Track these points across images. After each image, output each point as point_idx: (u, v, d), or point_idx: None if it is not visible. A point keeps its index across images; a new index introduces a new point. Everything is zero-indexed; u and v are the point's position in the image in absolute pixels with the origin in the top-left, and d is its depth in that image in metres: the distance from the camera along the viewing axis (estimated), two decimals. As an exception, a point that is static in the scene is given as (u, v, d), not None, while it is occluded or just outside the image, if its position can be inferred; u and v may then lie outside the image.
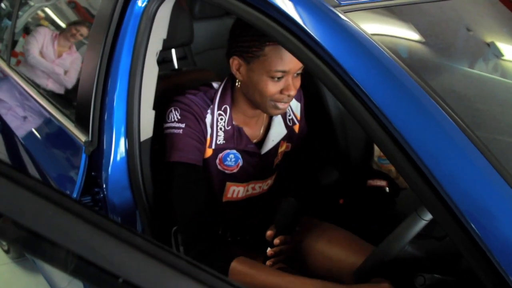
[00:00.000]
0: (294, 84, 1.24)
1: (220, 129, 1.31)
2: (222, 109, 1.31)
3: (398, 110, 0.88)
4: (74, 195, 1.39)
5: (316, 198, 1.61)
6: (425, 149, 0.83)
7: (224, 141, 1.32)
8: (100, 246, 0.39)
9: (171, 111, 1.29)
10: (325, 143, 2.12)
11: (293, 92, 1.23)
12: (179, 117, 1.27)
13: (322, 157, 1.67)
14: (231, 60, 1.27)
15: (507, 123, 1.11)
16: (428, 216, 1.02)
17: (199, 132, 1.28)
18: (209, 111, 1.30)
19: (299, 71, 1.25)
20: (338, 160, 2.06)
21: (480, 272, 0.77)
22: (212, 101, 1.31)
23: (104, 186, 1.37)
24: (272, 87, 1.22)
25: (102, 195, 1.38)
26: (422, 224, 1.04)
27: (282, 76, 1.22)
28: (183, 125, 1.27)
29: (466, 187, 0.79)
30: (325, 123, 2.05)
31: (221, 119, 1.30)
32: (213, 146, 1.31)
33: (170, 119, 1.28)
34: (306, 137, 1.56)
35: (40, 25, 2.05)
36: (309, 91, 2.05)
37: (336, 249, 1.42)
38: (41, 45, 1.86)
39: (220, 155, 1.34)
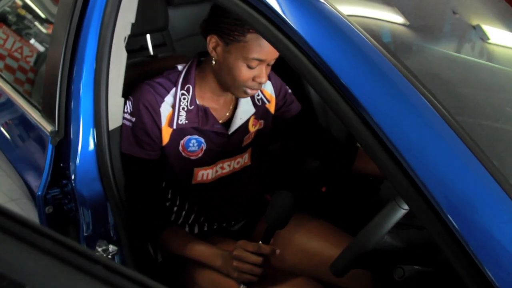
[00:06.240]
0: (266, 72, 1.27)
1: (183, 108, 1.29)
2: (185, 88, 1.30)
3: (374, 96, 0.83)
4: (41, 188, 1.33)
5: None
6: (398, 133, 0.78)
7: (186, 121, 1.30)
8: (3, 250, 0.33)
9: (127, 100, 1.30)
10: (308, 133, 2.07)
11: (264, 80, 1.26)
12: (131, 109, 1.28)
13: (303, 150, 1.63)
14: (208, 38, 1.26)
15: (492, 108, 1.08)
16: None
17: (150, 124, 1.27)
18: (171, 92, 1.30)
19: (273, 61, 1.27)
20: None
21: (457, 263, 0.73)
22: (176, 83, 1.30)
23: (72, 177, 1.31)
24: (246, 74, 1.23)
25: (70, 187, 1.32)
26: (401, 213, 0.99)
27: (257, 64, 1.22)
28: (133, 119, 1.28)
29: (444, 175, 0.75)
30: (306, 109, 2.00)
31: (184, 98, 1.29)
32: (174, 126, 1.29)
33: (125, 109, 1.30)
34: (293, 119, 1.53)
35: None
36: (290, 77, 1.99)
37: (314, 242, 1.39)
38: None
39: (182, 141, 1.31)
